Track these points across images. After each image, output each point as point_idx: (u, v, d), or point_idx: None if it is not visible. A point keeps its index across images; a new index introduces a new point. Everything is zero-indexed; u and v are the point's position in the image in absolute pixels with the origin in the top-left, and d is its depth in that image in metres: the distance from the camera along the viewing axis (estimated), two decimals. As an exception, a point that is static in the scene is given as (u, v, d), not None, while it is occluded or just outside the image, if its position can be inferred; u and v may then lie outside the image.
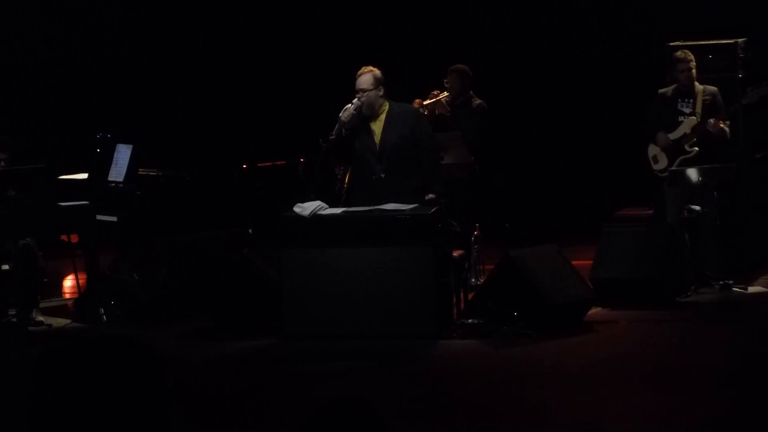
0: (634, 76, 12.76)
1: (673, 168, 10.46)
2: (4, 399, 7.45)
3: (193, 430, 6.79)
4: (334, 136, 10.51)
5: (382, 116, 9.44)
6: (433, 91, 10.86)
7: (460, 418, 7.09)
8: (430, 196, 9.24)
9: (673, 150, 10.50)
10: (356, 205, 9.23)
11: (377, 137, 9.41)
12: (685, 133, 10.46)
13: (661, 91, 10.65)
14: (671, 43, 11.08)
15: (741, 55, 11.10)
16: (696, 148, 10.41)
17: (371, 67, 10.52)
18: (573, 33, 13.87)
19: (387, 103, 9.48)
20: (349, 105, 10.64)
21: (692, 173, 10.25)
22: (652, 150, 10.63)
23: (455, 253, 9.30)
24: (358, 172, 9.54)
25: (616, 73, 13.37)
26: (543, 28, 14.06)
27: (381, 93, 9.44)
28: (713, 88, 10.49)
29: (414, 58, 13.38)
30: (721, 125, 10.28)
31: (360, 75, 10.47)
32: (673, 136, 10.51)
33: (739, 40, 11.15)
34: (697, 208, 10.26)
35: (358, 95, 9.49)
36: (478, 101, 10.97)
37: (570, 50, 13.91)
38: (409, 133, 9.36)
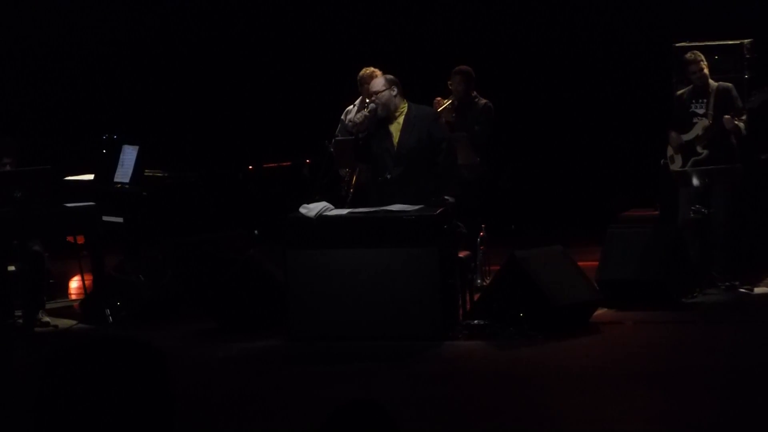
0: (640, 77, 12.75)
1: (678, 169, 10.47)
2: (10, 400, 7.46)
3: (198, 431, 6.79)
4: (338, 137, 10.52)
5: (401, 118, 9.44)
6: (436, 98, 10.83)
7: (465, 418, 7.08)
8: (446, 198, 9.25)
9: (687, 151, 10.51)
10: (371, 206, 9.22)
11: (395, 139, 9.40)
12: (697, 134, 10.47)
13: (678, 92, 10.68)
14: (677, 44, 11.07)
15: (747, 56, 11.10)
16: (706, 150, 10.41)
17: (373, 68, 10.55)
18: (579, 34, 13.86)
19: (406, 105, 9.48)
20: (351, 107, 10.66)
21: (697, 175, 10.25)
22: (669, 150, 10.65)
23: (461, 254, 9.29)
24: (375, 174, 9.54)
25: (622, 74, 13.36)
26: (548, 28, 14.05)
27: (395, 93, 9.42)
28: (727, 85, 10.49)
29: (416, 58, 13.38)
30: (735, 122, 10.28)
31: (363, 76, 10.48)
32: (686, 137, 10.52)
33: (745, 40, 11.14)
34: (703, 209, 10.26)
35: (371, 98, 9.49)
36: (483, 101, 10.96)
37: (576, 51, 13.90)
38: (427, 135, 9.36)
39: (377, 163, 9.48)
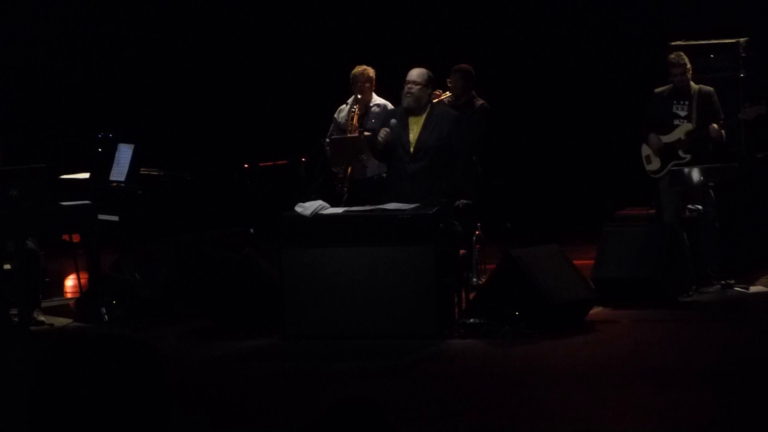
0: (635, 75, 12.75)
1: (674, 168, 10.45)
2: (5, 398, 7.46)
3: (193, 429, 6.79)
4: (329, 139, 10.53)
5: (424, 115, 9.43)
6: (435, 90, 10.85)
7: (461, 417, 7.08)
8: (462, 202, 9.25)
9: (666, 153, 10.49)
10: (385, 202, 9.21)
11: (414, 135, 9.39)
12: (679, 138, 10.46)
13: (657, 90, 10.62)
14: (672, 43, 11.07)
15: (742, 55, 11.10)
16: (689, 155, 10.41)
17: (365, 66, 10.56)
18: (574, 33, 13.86)
19: (430, 104, 9.51)
20: (344, 105, 10.66)
21: (694, 173, 10.25)
22: (645, 150, 10.63)
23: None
24: (390, 169, 9.56)
25: (618, 73, 13.36)
26: (544, 28, 14.05)
27: (429, 91, 9.47)
28: (709, 89, 10.46)
29: (417, 58, 13.37)
30: (722, 131, 10.30)
31: (356, 74, 10.47)
32: (666, 139, 10.50)
33: (741, 39, 11.15)
34: (699, 207, 10.26)
35: (407, 86, 9.45)
36: (480, 101, 10.96)
37: (571, 50, 13.91)
38: (447, 136, 9.35)
39: (392, 158, 9.48)
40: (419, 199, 9.07)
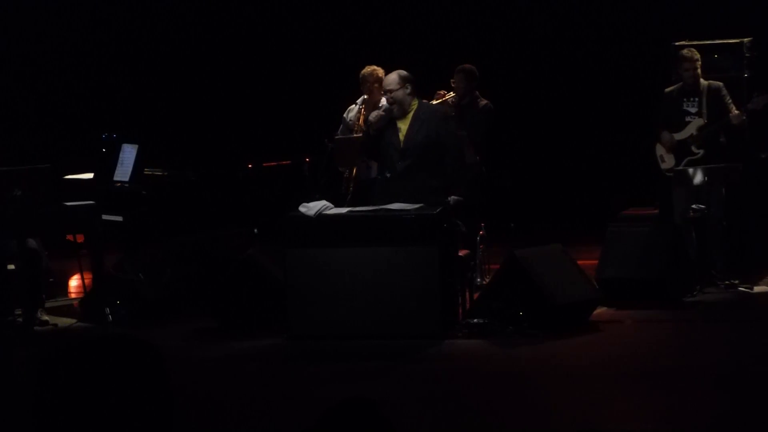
0: (639, 75, 12.76)
1: (678, 168, 10.47)
2: (9, 398, 7.46)
3: (196, 429, 6.79)
4: (338, 135, 10.52)
5: (410, 114, 9.44)
6: (440, 91, 10.86)
7: (464, 417, 7.08)
8: (453, 198, 9.25)
9: (680, 150, 10.52)
10: (375, 202, 9.22)
11: (402, 135, 9.41)
12: (691, 134, 10.48)
13: (667, 90, 10.67)
14: (677, 43, 11.08)
15: (747, 55, 11.11)
16: (702, 150, 10.42)
17: (375, 66, 10.55)
18: (578, 32, 13.86)
19: (416, 102, 9.49)
20: (353, 105, 10.66)
21: (697, 173, 10.26)
22: (659, 149, 10.65)
23: (461, 253, 9.29)
24: (381, 170, 9.57)
25: (622, 73, 13.36)
26: (548, 27, 14.05)
27: (409, 91, 9.42)
28: (718, 84, 10.51)
29: (419, 58, 13.38)
30: (744, 116, 10.32)
31: (365, 74, 10.47)
32: (679, 136, 10.53)
33: (745, 39, 11.15)
34: (703, 207, 10.26)
35: (385, 96, 9.48)
36: (484, 101, 10.96)
37: (575, 50, 13.91)
38: (435, 133, 9.36)
39: (383, 158, 9.50)
40: (410, 196, 9.08)
